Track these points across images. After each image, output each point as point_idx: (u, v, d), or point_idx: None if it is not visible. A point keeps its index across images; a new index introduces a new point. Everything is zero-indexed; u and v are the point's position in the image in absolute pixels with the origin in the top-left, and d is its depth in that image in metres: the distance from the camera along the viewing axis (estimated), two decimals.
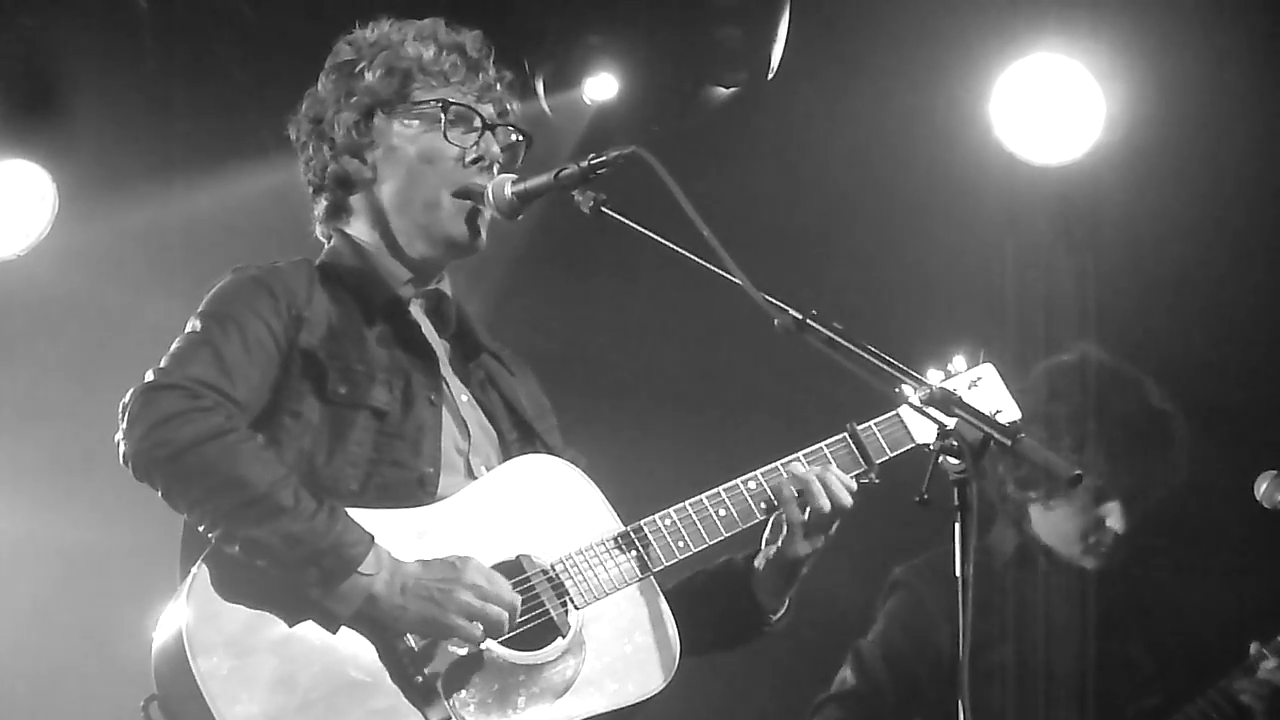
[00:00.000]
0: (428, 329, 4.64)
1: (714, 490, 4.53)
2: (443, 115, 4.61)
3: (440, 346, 4.65)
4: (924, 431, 4.53)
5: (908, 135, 7.25)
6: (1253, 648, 6.01)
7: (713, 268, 4.17)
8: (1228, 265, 7.20)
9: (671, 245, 4.28)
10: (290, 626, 4.16)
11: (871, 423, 4.63)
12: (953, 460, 3.97)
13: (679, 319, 7.41)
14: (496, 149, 4.65)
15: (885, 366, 4.13)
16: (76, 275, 7.19)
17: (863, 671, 6.24)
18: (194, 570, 4.17)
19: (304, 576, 4.14)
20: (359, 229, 4.68)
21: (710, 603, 4.55)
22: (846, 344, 4.10)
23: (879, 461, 4.62)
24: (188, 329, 4.38)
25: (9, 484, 7.24)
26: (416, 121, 4.64)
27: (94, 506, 6.82)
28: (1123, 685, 6.23)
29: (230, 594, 4.16)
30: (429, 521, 4.33)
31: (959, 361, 4.80)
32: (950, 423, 4.03)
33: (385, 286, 4.60)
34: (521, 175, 4.56)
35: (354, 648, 4.18)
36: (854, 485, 4.53)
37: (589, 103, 7.25)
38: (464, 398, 4.60)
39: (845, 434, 4.62)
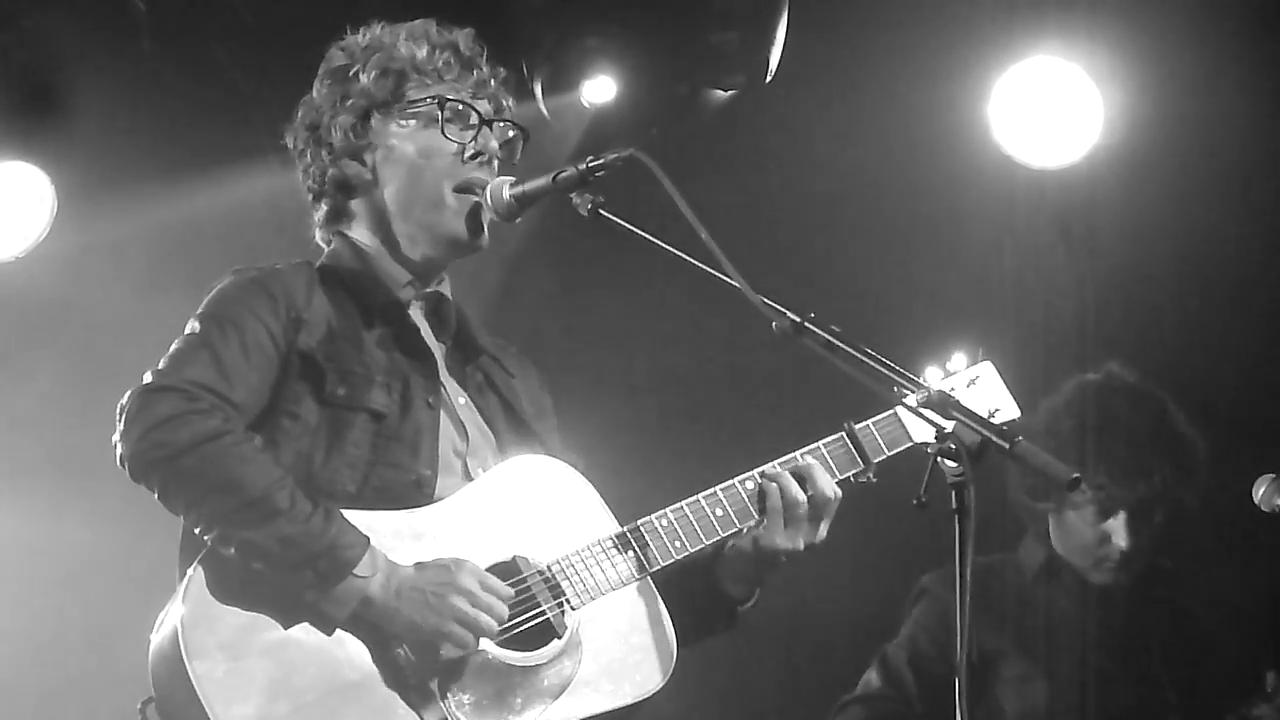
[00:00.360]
0: (426, 331, 4.64)
1: (711, 490, 4.52)
2: (439, 112, 4.62)
3: (438, 349, 4.65)
4: (922, 430, 4.53)
5: (906, 138, 7.25)
6: (1270, 676, 6.02)
7: (711, 270, 4.17)
8: (1226, 268, 7.20)
9: (669, 248, 4.28)
10: (286, 629, 4.16)
11: (869, 421, 4.63)
12: (951, 463, 3.97)
13: (676, 321, 7.41)
14: (495, 143, 4.65)
15: (883, 369, 4.13)
16: (75, 277, 7.19)
17: (888, 675, 6.25)
18: (189, 572, 4.18)
19: (299, 579, 4.14)
20: (360, 232, 4.68)
21: (671, 590, 4.52)
22: (844, 347, 4.10)
23: (877, 460, 4.62)
24: (186, 331, 4.39)
25: (8, 485, 7.23)
26: (413, 120, 4.64)
27: (93, 508, 6.81)
28: (1146, 706, 6.24)
29: (226, 596, 4.16)
30: (425, 523, 4.33)
31: (958, 360, 4.80)
32: (948, 426, 4.03)
33: (385, 289, 4.60)
34: (519, 178, 4.56)
35: (349, 650, 4.18)
36: (835, 475, 4.54)
37: (587, 105, 7.25)
38: (461, 400, 4.60)
39: (842, 433, 4.62)
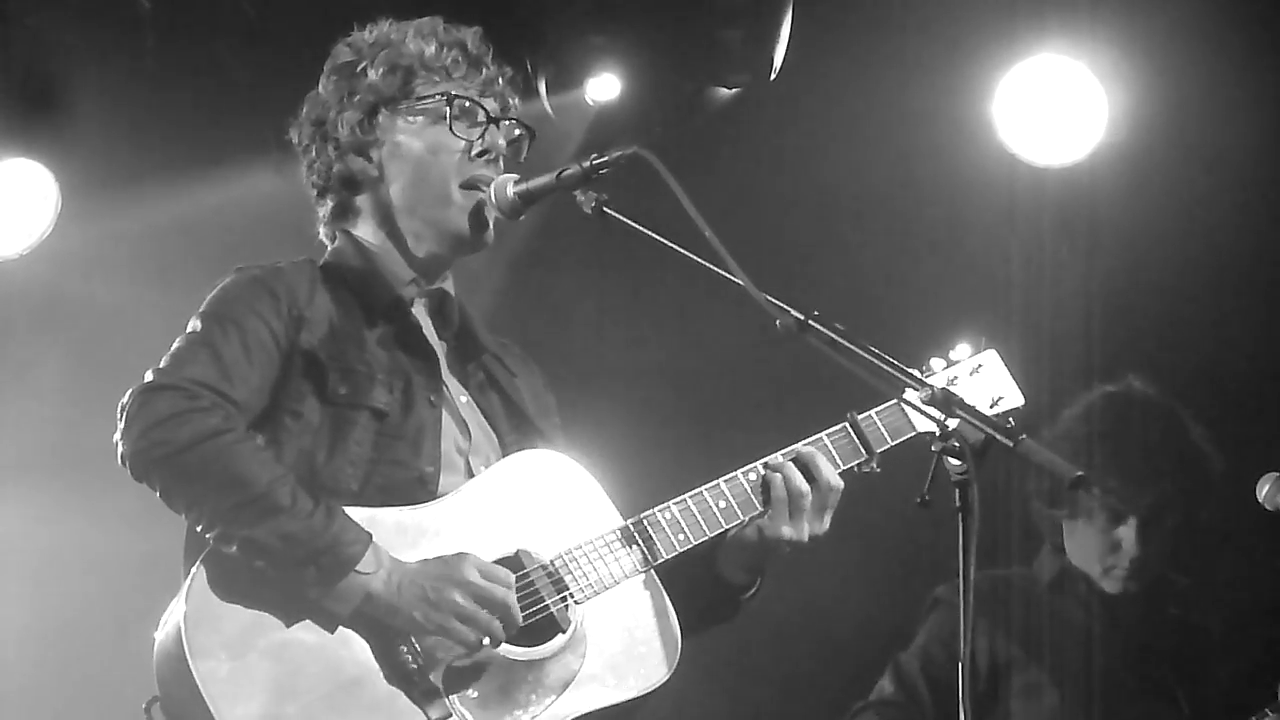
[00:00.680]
0: (429, 329, 4.64)
1: (713, 482, 4.53)
2: (447, 109, 4.62)
3: (440, 347, 4.64)
4: (925, 419, 4.52)
5: (911, 136, 7.24)
6: None
7: (714, 268, 4.17)
8: (1229, 265, 7.19)
9: (673, 246, 4.28)
10: (289, 627, 4.16)
11: (872, 411, 4.63)
12: (954, 461, 3.97)
13: (679, 318, 7.41)
14: (502, 142, 4.66)
15: (887, 367, 4.13)
16: (79, 274, 7.19)
17: (901, 682, 6.25)
18: (192, 571, 4.18)
19: (302, 576, 4.14)
20: (365, 230, 4.68)
21: (674, 581, 4.51)
22: (848, 344, 4.10)
23: (880, 450, 4.62)
24: (188, 329, 4.39)
25: (12, 482, 7.23)
26: (421, 117, 4.64)
27: (98, 505, 6.82)
28: (1155, 716, 6.24)
29: (229, 594, 4.16)
30: (428, 519, 4.33)
31: (961, 349, 4.80)
32: (952, 423, 4.03)
33: (388, 287, 4.60)
34: (524, 176, 4.56)
35: (353, 647, 4.18)
36: (839, 465, 4.55)
37: (591, 103, 7.25)
38: (463, 399, 4.61)
39: (845, 423, 4.62)
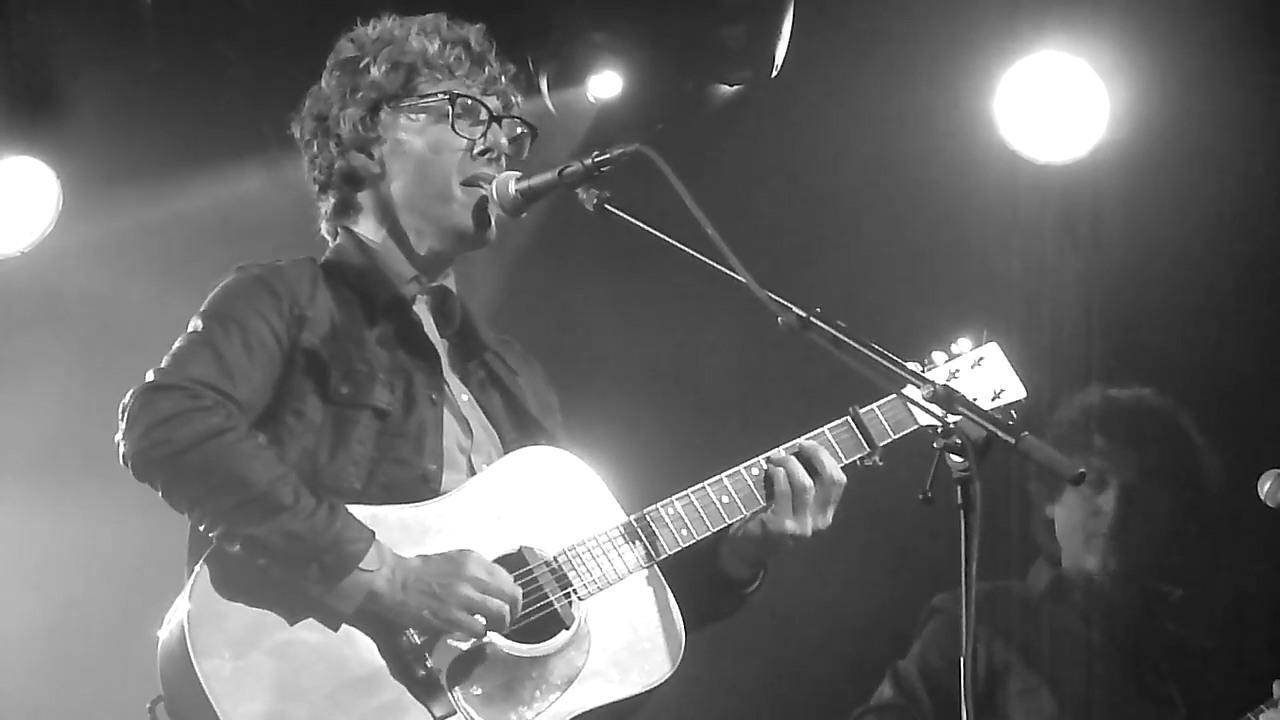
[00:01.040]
0: (430, 327, 4.64)
1: (716, 477, 4.53)
2: (450, 108, 4.62)
3: (442, 345, 4.64)
4: (926, 413, 4.52)
5: (912, 133, 7.24)
6: (1277, 686, 6.03)
7: (717, 266, 4.17)
8: (1231, 262, 7.19)
9: (675, 243, 4.28)
10: (292, 625, 4.16)
11: (874, 405, 4.64)
12: (957, 458, 3.97)
13: (681, 316, 7.41)
14: (504, 140, 4.66)
15: (888, 364, 4.13)
16: (81, 272, 7.19)
17: (900, 687, 6.28)
18: (196, 569, 4.18)
19: (305, 574, 4.14)
20: (366, 227, 4.68)
21: (676, 576, 4.51)
22: (850, 342, 4.10)
23: (882, 444, 4.63)
24: (189, 329, 4.39)
25: (13, 480, 7.23)
26: (423, 115, 4.64)
27: (100, 504, 6.81)
28: (1151, 717, 6.25)
29: (232, 593, 4.16)
30: (431, 516, 4.33)
31: (963, 343, 4.80)
32: (954, 420, 4.02)
33: (389, 285, 4.60)
34: (526, 173, 4.57)
35: (357, 644, 4.19)
36: (841, 459, 4.55)
37: (593, 100, 7.25)
38: (464, 397, 4.61)
39: (848, 417, 4.62)
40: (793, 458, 4.53)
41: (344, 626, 4.18)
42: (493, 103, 4.68)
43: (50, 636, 7.18)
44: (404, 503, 4.34)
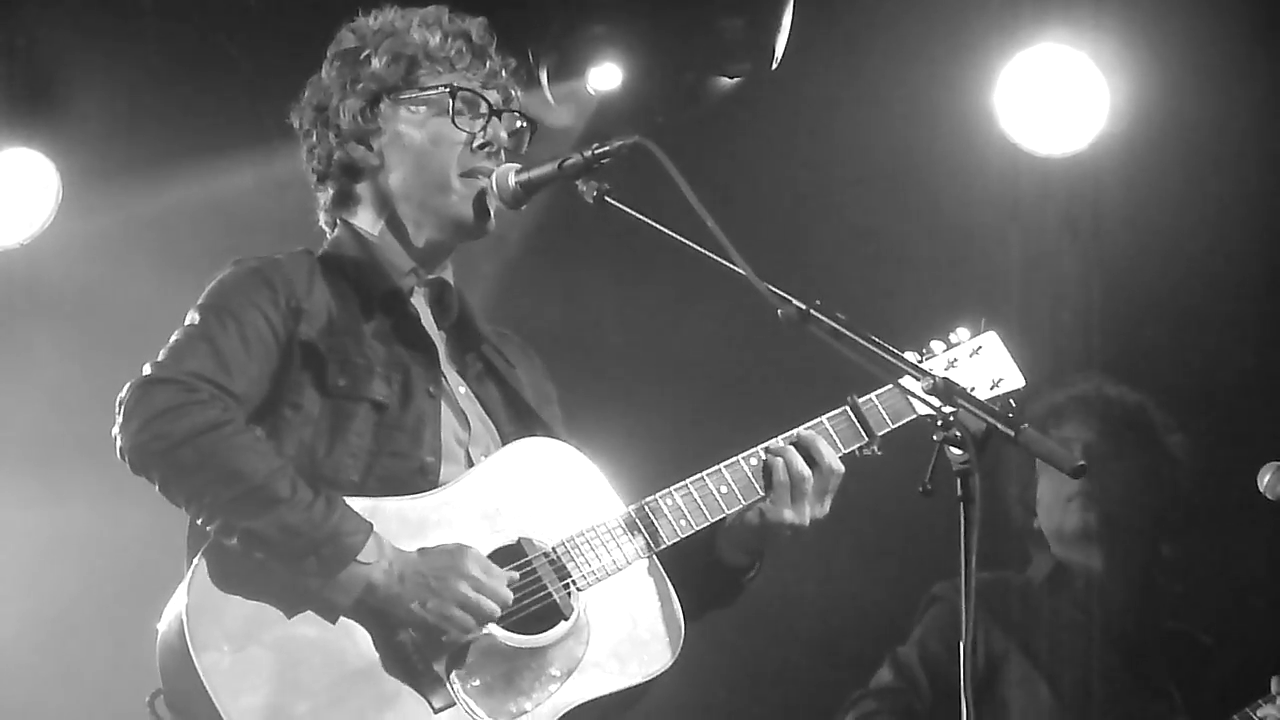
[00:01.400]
0: (428, 320, 4.63)
1: (715, 468, 4.53)
2: (450, 101, 4.61)
3: (440, 338, 4.64)
4: (925, 404, 4.51)
5: (912, 126, 7.24)
6: (1275, 682, 6.03)
7: (716, 257, 4.16)
8: (1231, 254, 7.19)
9: (675, 235, 4.28)
10: (291, 618, 4.16)
11: (872, 394, 4.63)
12: (956, 451, 3.96)
13: (681, 307, 7.40)
14: (504, 134, 4.65)
15: (888, 356, 4.13)
16: (79, 265, 7.18)
17: (900, 671, 6.30)
18: (194, 563, 4.18)
19: (303, 567, 4.14)
20: (364, 218, 4.68)
21: (675, 565, 4.51)
22: (850, 334, 4.10)
23: (881, 433, 4.63)
24: (186, 322, 4.38)
25: (10, 472, 7.23)
26: (423, 107, 4.64)
27: (99, 497, 6.80)
28: (1151, 711, 6.26)
29: (230, 587, 4.16)
30: (429, 508, 4.33)
31: (961, 331, 4.80)
32: (953, 413, 4.02)
33: (386, 277, 4.59)
34: (525, 165, 4.56)
35: (355, 637, 4.18)
36: (839, 449, 4.55)
37: (593, 93, 7.24)
38: (462, 390, 4.60)
39: (846, 406, 4.62)
40: (791, 448, 4.53)
41: (342, 619, 4.18)
42: (493, 96, 4.68)
43: (49, 630, 7.18)
44: (402, 495, 4.33)
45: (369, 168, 4.66)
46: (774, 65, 7.21)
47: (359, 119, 4.63)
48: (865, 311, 4.20)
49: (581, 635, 4.34)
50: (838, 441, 4.58)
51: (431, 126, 4.62)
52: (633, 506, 4.48)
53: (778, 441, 4.56)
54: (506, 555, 4.32)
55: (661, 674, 4.38)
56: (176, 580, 4.22)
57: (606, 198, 4.38)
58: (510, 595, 4.25)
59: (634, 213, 4.35)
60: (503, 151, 4.64)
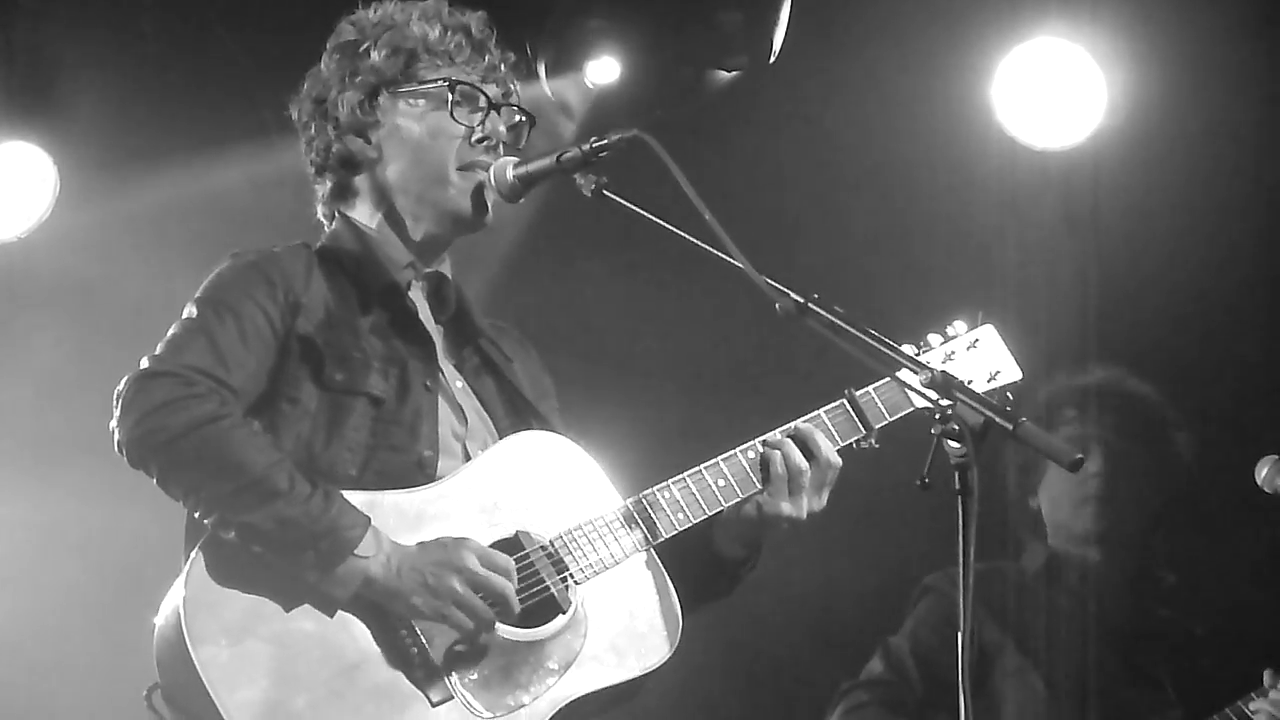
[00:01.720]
0: (425, 314, 4.63)
1: (712, 461, 4.53)
2: (449, 94, 4.61)
3: (437, 332, 4.64)
4: (923, 398, 4.51)
5: (910, 119, 7.24)
6: (1267, 675, 6.04)
7: (714, 251, 4.16)
8: (1229, 248, 7.20)
9: (673, 228, 4.28)
10: (288, 611, 4.16)
11: (870, 388, 4.64)
12: (954, 444, 3.96)
13: (679, 301, 7.41)
14: (502, 128, 4.65)
15: (886, 350, 4.13)
16: (77, 257, 7.18)
17: (891, 663, 6.29)
18: (191, 556, 4.18)
19: (301, 560, 4.14)
20: (362, 211, 4.68)
21: (672, 558, 4.51)
22: (848, 327, 4.10)
23: (878, 426, 4.63)
24: (184, 316, 4.38)
25: (8, 466, 7.23)
26: (422, 101, 4.64)
27: (95, 490, 6.80)
28: (1144, 701, 6.26)
29: (228, 580, 4.16)
30: (426, 502, 4.33)
31: (958, 325, 4.80)
32: (951, 406, 4.02)
33: (384, 271, 4.59)
34: (523, 158, 4.56)
35: (353, 631, 4.18)
36: (837, 442, 4.55)
37: (591, 86, 7.24)
38: (459, 384, 4.60)
39: (843, 400, 4.62)
40: (788, 440, 4.53)
41: (340, 613, 4.18)
42: (492, 90, 4.67)
43: (46, 624, 7.18)
44: (400, 489, 4.33)
45: (367, 160, 4.65)
46: (771, 59, 7.20)
47: (357, 112, 4.63)
48: (862, 305, 4.20)
49: (579, 629, 4.34)
50: (835, 434, 4.58)
51: (430, 120, 4.62)
52: (630, 500, 4.48)
53: (775, 434, 4.56)
54: (504, 549, 4.31)
55: (659, 667, 4.38)
56: (174, 574, 4.21)
57: (604, 191, 4.38)
58: (510, 588, 4.25)
59: (632, 206, 4.35)
60: (501, 146, 4.64)
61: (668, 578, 4.47)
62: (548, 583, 4.33)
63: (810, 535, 4.63)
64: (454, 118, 4.60)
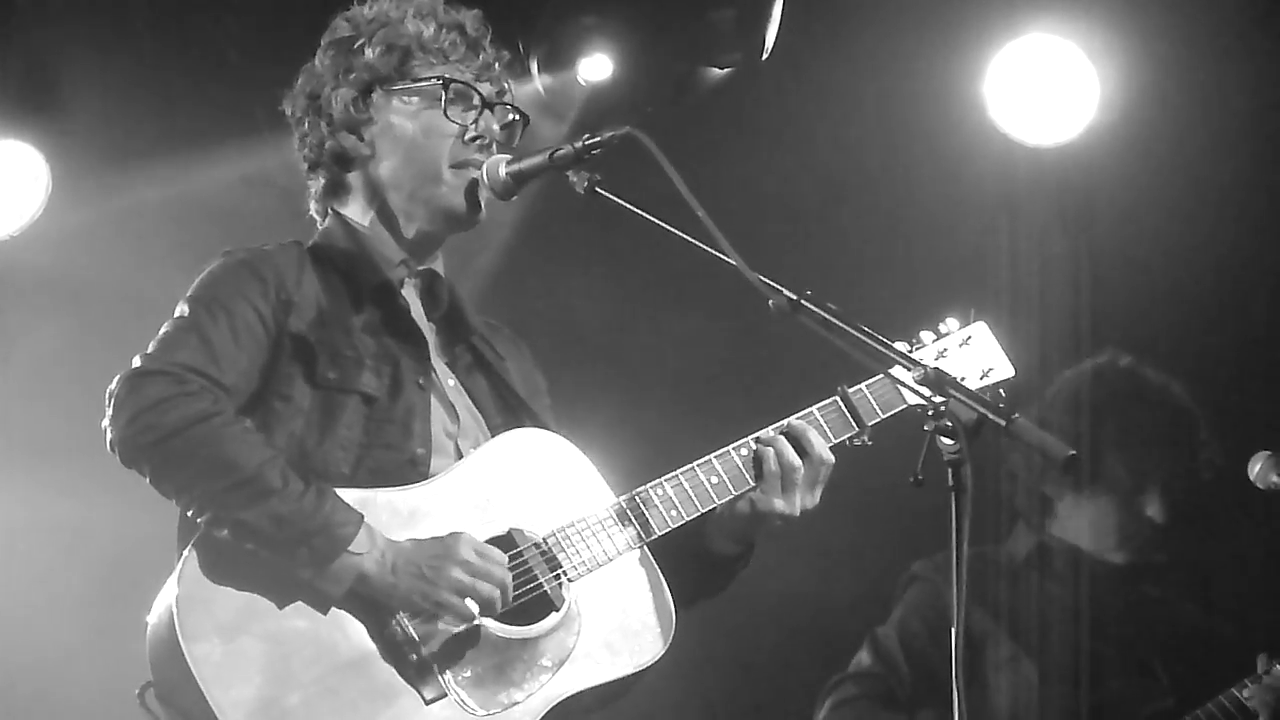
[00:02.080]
0: (418, 311, 4.63)
1: (705, 458, 4.53)
2: (443, 92, 4.61)
3: (429, 330, 4.64)
4: (916, 394, 4.51)
5: (902, 116, 7.24)
6: (1261, 660, 6.04)
7: (707, 248, 4.16)
8: (1222, 244, 7.20)
9: (666, 225, 4.28)
10: (282, 609, 4.16)
11: (863, 385, 4.64)
12: (947, 441, 3.96)
13: (672, 299, 7.41)
14: (496, 127, 4.65)
15: (880, 347, 4.13)
16: (70, 256, 7.17)
17: (879, 654, 6.28)
18: (184, 554, 4.17)
19: (294, 557, 4.14)
20: (355, 208, 4.67)
21: (666, 555, 4.51)
22: (841, 324, 4.10)
23: (871, 423, 4.63)
24: (176, 314, 4.38)
25: (1, 465, 7.22)
26: (416, 98, 4.63)
27: (88, 489, 6.78)
28: (1137, 689, 6.26)
29: (221, 578, 4.15)
30: (420, 499, 4.33)
31: (950, 322, 4.80)
32: (944, 402, 4.02)
33: (376, 269, 4.59)
34: (516, 155, 4.56)
35: (347, 628, 4.18)
36: (830, 439, 4.55)
37: (583, 83, 7.24)
38: (450, 383, 4.60)
39: (836, 397, 4.62)
40: (781, 437, 4.53)
41: (334, 610, 4.18)
42: (486, 89, 4.67)
43: (38, 623, 7.16)
44: (393, 486, 4.33)
45: (360, 157, 4.65)
46: (764, 56, 7.21)
47: (351, 108, 4.63)
48: (855, 302, 4.20)
49: (573, 626, 4.34)
50: (828, 431, 4.59)
51: (423, 118, 4.62)
52: (623, 497, 4.48)
53: (768, 432, 4.56)
54: (497, 546, 4.31)
55: (653, 664, 4.38)
56: (166, 572, 4.21)
57: (597, 188, 4.38)
58: (509, 575, 4.25)
59: (625, 203, 4.35)
60: (494, 144, 4.64)
61: (661, 575, 4.47)
62: (541, 580, 4.33)
63: (803, 532, 4.63)
64: (447, 116, 4.60)
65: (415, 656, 4.19)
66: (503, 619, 4.27)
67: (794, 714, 6.59)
